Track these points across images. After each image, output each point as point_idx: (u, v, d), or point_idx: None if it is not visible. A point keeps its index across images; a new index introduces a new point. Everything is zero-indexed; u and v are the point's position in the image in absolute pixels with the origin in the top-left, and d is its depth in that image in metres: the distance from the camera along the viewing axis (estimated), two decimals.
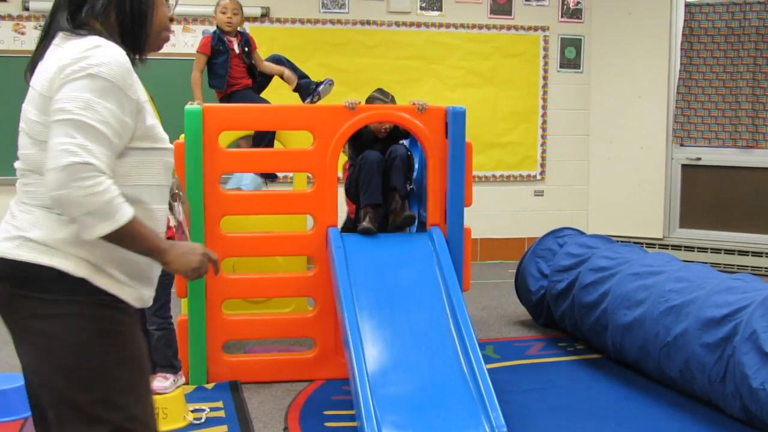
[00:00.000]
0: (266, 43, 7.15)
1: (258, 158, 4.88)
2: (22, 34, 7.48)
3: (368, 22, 8.18)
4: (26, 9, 7.49)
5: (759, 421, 3.92)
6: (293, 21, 8.01)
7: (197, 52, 5.38)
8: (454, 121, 4.64)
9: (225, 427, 4.00)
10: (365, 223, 4.75)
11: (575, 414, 4.26)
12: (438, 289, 4.36)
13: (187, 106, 4.56)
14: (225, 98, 5.41)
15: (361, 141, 4.97)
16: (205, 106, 4.58)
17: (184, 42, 7.66)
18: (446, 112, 4.68)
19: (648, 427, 4.12)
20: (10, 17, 7.49)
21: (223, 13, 5.41)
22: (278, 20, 7.98)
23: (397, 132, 5.04)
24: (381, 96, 5.04)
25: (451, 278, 4.37)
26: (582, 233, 6.07)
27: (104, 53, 2.11)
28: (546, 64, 8.62)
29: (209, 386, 4.56)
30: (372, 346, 4.05)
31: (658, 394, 4.56)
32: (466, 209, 4.73)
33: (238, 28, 5.49)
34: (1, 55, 7.39)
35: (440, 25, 8.36)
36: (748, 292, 4.23)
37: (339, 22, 8.12)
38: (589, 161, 8.80)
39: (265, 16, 7.89)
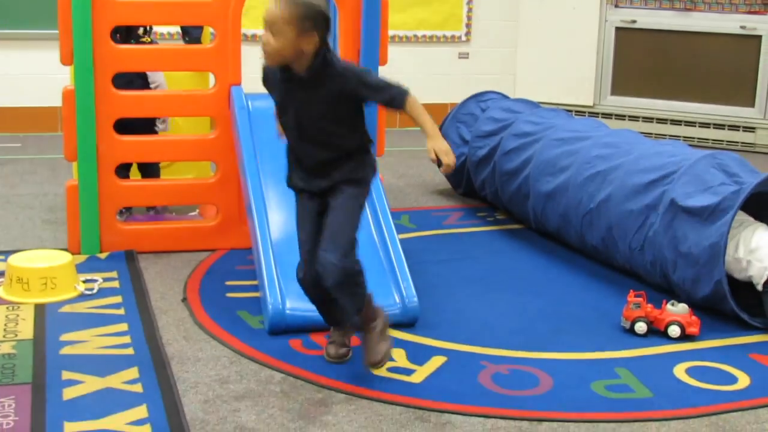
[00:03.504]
0: None
1: (152, 8, 4.71)
2: None
3: None
4: None
5: (677, 286, 4.08)
6: None
7: None
8: None
9: (119, 298, 4.02)
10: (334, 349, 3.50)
11: (491, 285, 4.38)
12: None
13: None
14: None
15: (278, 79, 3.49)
16: None
17: None
18: None
19: (566, 297, 4.25)
20: None
21: None
22: None
23: (325, 70, 3.41)
24: None
25: None
26: (506, 97, 6.10)
27: None
28: None
29: (102, 256, 4.55)
30: (276, 213, 4.10)
31: (579, 264, 4.70)
32: (382, 69, 4.66)
33: None
34: None
35: None
36: (676, 156, 4.34)
37: None
38: (518, 22, 8.76)
39: None
